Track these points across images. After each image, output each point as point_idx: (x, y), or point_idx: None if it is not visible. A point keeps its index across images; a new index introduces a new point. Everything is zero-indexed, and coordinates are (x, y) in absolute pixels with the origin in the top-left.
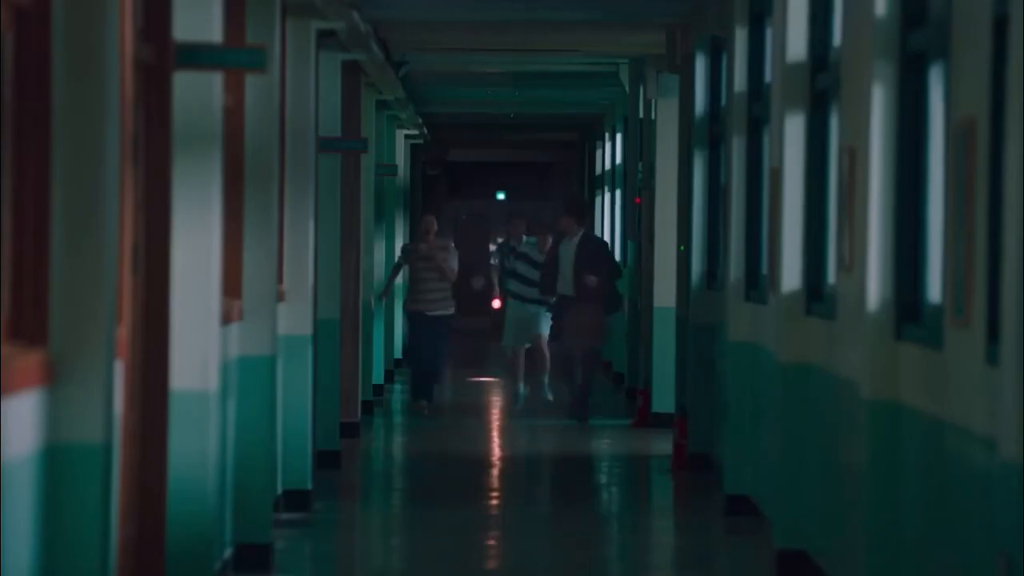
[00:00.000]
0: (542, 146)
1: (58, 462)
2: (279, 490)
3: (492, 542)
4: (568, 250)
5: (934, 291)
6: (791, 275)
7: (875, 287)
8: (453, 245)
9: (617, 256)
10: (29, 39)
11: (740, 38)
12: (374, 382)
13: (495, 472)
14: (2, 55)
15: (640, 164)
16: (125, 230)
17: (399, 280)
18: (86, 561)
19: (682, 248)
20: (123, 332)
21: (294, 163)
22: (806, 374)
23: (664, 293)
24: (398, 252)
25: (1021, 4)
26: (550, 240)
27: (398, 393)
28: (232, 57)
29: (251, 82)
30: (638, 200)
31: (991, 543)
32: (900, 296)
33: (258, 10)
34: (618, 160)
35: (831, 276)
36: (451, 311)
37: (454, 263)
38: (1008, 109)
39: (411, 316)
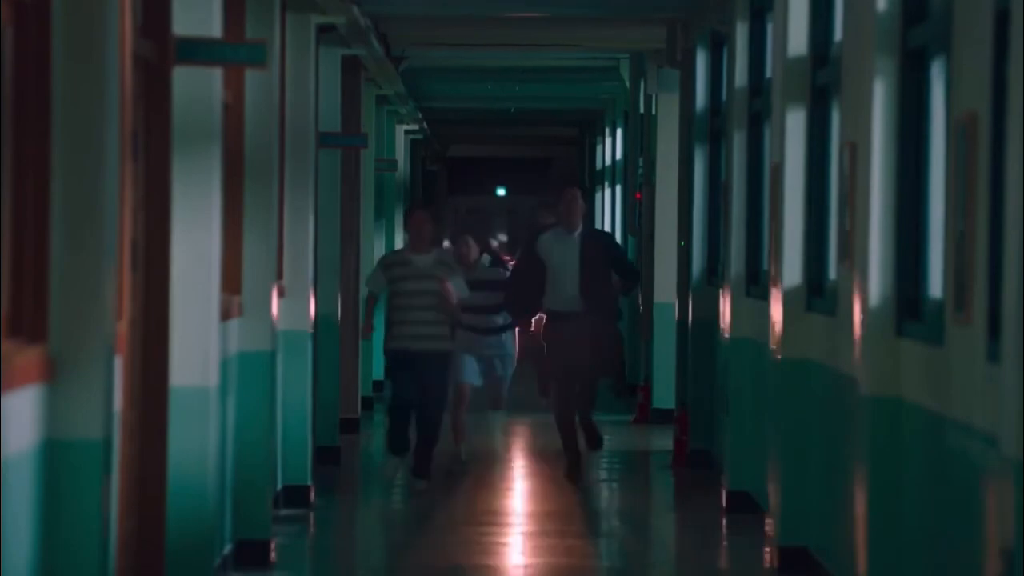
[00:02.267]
0: (542, 141)
1: (58, 458)
2: (279, 486)
3: (490, 538)
4: (563, 249)
5: (935, 287)
6: (792, 271)
7: (876, 283)
8: (456, 259)
9: None
10: (29, 34)
11: (741, 33)
12: (374, 378)
13: (494, 468)
14: (2, 50)
15: (640, 159)
16: (125, 226)
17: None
18: (86, 557)
19: (683, 244)
20: (123, 328)
21: (294, 159)
22: (807, 370)
23: (664, 289)
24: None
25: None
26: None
27: None
28: (232, 52)
29: (251, 78)
30: (638, 195)
31: (991, 540)
32: (901, 292)
33: (258, 5)
34: (618, 155)
35: (832, 272)
36: (449, 347)
37: (460, 286)
38: (1009, 104)
39: (394, 356)
